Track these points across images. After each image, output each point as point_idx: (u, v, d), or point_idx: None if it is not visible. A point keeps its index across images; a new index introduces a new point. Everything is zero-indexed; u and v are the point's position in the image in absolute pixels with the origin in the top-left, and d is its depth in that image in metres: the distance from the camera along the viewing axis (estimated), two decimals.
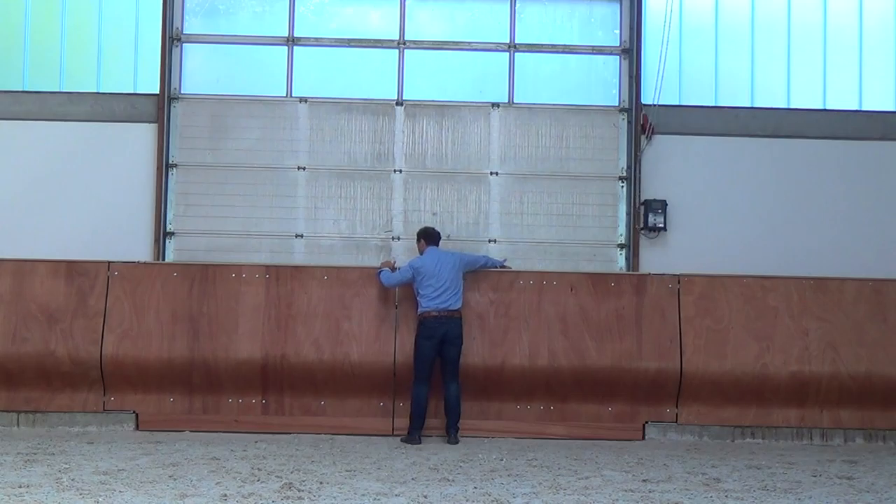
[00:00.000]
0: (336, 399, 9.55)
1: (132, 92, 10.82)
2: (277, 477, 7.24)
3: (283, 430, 9.36)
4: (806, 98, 11.05)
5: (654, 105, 10.76)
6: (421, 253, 9.42)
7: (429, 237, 9.54)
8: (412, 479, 7.31)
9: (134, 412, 9.78)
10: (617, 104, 10.92)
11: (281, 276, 9.57)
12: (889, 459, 8.80)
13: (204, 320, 9.61)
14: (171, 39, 10.81)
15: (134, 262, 10.11)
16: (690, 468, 8.04)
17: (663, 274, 10.10)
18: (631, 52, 10.87)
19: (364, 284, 9.44)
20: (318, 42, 10.97)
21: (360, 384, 9.45)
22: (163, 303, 9.73)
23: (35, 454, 8.10)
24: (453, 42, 10.99)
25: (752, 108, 10.98)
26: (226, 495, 6.51)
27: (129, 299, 9.89)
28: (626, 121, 10.86)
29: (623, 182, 10.79)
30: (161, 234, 10.57)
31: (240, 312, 9.56)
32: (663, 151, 10.81)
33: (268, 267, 9.61)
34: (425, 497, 6.61)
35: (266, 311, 9.53)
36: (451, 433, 9.30)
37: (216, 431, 9.37)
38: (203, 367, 9.55)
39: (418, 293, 9.25)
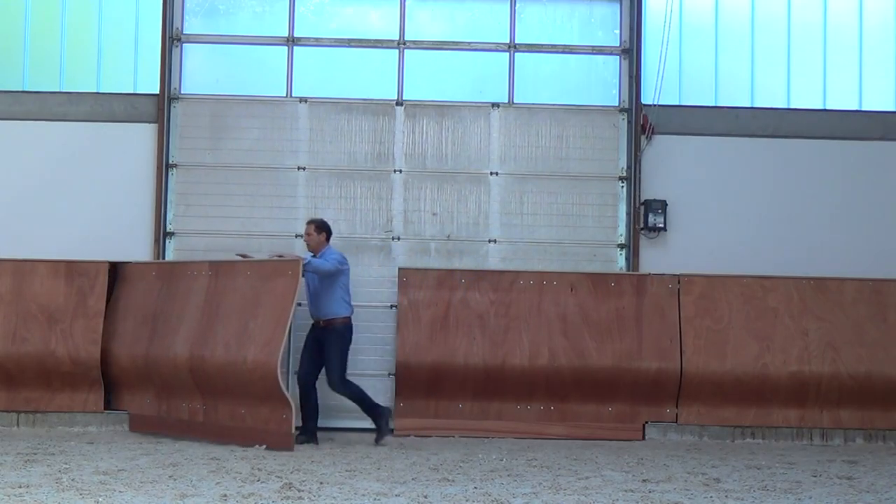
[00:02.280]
0: (248, 405, 8.97)
1: (132, 92, 10.81)
2: (277, 477, 7.24)
3: (218, 439, 8.92)
4: (806, 98, 11.04)
5: (654, 105, 10.75)
6: (319, 246, 9.42)
7: (330, 232, 9.62)
8: (412, 479, 7.31)
9: (128, 413, 9.81)
10: (617, 104, 10.92)
11: (221, 273, 9.48)
12: (889, 459, 8.81)
13: (161, 319, 9.59)
14: (171, 39, 10.81)
15: (129, 262, 10.15)
16: (690, 468, 8.05)
17: (663, 274, 10.12)
18: (631, 52, 10.86)
19: (273, 280, 9.09)
20: (318, 42, 10.96)
21: (256, 389, 8.84)
22: (144, 302, 9.79)
23: (35, 454, 8.11)
24: (453, 42, 10.98)
25: (752, 108, 10.97)
26: (226, 495, 6.51)
27: (124, 299, 9.96)
28: (626, 121, 10.85)
29: (623, 182, 10.79)
30: (161, 234, 10.56)
31: (186, 311, 9.48)
32: (663, 151, 10.80)
33: (210, 263, 9.59)
34: (425, 497, 6.61)
35: (204, 309, 9.40)
36: (316, 436, 9.23)
37: (176, 437, 9.18)
38: (159, 368, 9.49)
39: (338, 291, 9.24)
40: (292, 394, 9.08)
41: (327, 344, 9.30)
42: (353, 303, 9.98)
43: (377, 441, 9.19)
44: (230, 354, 9.01)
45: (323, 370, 9.44)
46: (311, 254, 9.48)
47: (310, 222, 9.61)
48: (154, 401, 9.61)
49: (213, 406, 9.17)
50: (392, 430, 9.33)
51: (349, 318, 9.40)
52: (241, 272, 9.34)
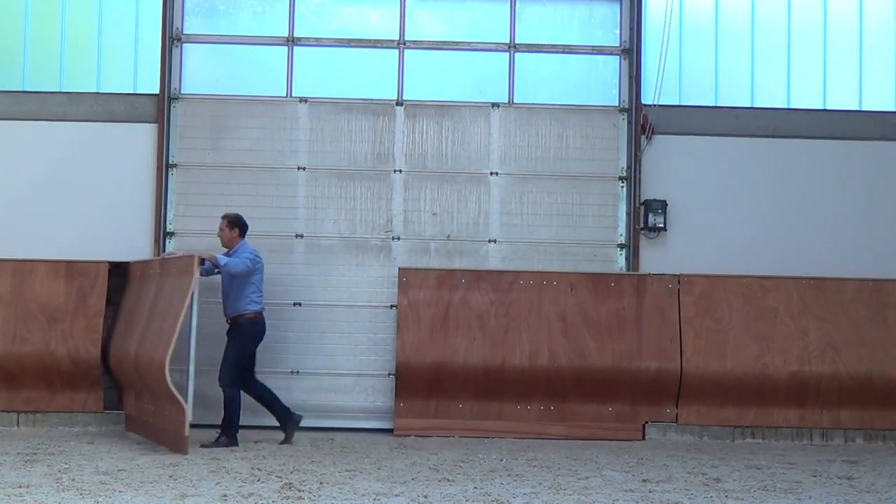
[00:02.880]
0: (169, 406, 8.67)
1: (132, 92, 10.81)
2: (277, 477, 7.25)
3: (164, 442, 8.73)
4: (806, 98, 11.04)
5: (654, 105, 10.75)
6: (231, 242, 9.25)
7: (245, 229, 9.42)
8: (412, 479, 7.32)
9: (126, 413, 9.83)
10: (617, 104, 10.92)
11: (164, 272, 9.37)
12: (889, 459, 8.81)
13: (129, 319, 9.59)
14: (171, 39, 10.80)
15: (124, 262, 10.15)
16: (690, 468, 8.05)
17: (663, 274, 10.12)
18: (631, 52, 10.86)
19: (181, 278, 8.89)
20: (318, 42, 10.96)
21: (160, 390, 8.63)
22: (127, 302, 9.82)
23: (35, 454, 8.11)
24: (453, 42, 10.98)
25: (752, 108, 10.97)
26: (226, 495, 6.52)
27: (124, 299, 9.99)
28: (626, 121, 10.85)
29: (623, 182, 10.79)
30: (161, 234, 10.56)
31: (142, 311, 9.43)
32: (663, 151, 10.80)
33: (160, 262, 9.54)
34: (425, 497, 6.62)
35: (149, 308, 9.29)
36: (292, 425, 9.13)
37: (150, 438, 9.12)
38: (125, 368, 9.49)
39: (248, 288, 9.08)
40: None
41: (230, 338, 9.12)
42: (352, 303, 10.01)
43: (207, 443, 8.80)
44: (148, 354, 8.85)
45: (258, 365, 9.38)
46: (226, 250, 9.29)
47: (223, 217, 9.43)
48: (134, 401, 9.65)
49: (157, 407, 8.99)
50: (229, 445, 8.86)
51: (259, 315, 9.18)
52: (170, 271, 9.24)
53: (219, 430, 9.02)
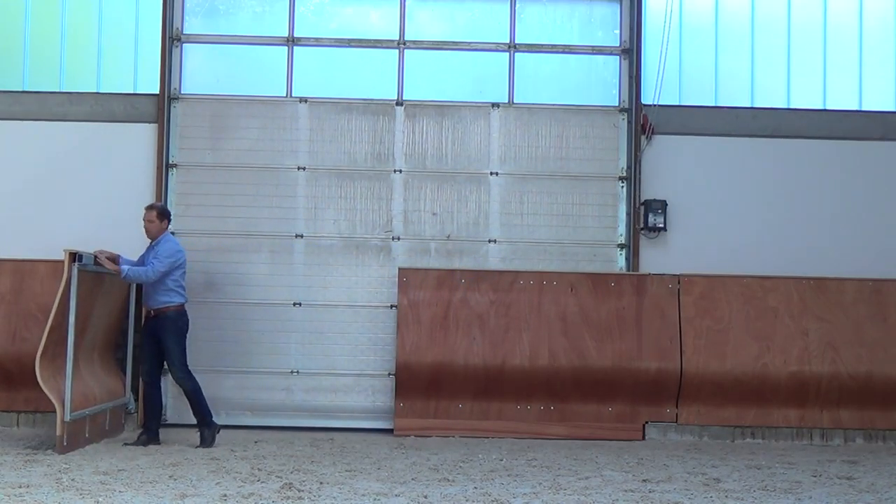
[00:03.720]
0: None
1: (132, 92, 10.80)
2: (277, 477, 7.25)
3: None
4: (806, 98, 11.04)
5: (654, 105, 10.75)
6: (157, 233, 9.14)
7: (170, 219, 9.41)
8: (412, 479, 7.32)
9: None
10: (617, 104, 10.92)
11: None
12: (889, 459, 8.82)
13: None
14: (171, 39, 10.80)
15: None
16: (690, 468, 8.05)
17: (663, 274, 10.12)
18: (631, 52, 10.86)
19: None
20: (318, 42, 10.96)
21: None
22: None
23: (35, 454, 8.11)
24: (453, 42, 10.98)
25: (752, 108, 10.97)
26: (226, 495, 6.52)
27: None
28: (626, 121, 10.85)
29: (623, 182, 10.79)
30: None
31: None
32: (663, 151, 10.80)
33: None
34: (425, 497, 6.62)
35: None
36: (158, 436, 9.01)
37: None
38: None
39: (171, 283, 9.01)
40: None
41: (163, 334, 9.02)
42: (352, 303, 10.00)
43: (198, 444, 8.87)
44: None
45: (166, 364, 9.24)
46: (151, 240, 9.21)
47: (150, 208, 9.28)
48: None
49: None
50: (214, 433, 8.94)
51: (182, 307, 9.13)
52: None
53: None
